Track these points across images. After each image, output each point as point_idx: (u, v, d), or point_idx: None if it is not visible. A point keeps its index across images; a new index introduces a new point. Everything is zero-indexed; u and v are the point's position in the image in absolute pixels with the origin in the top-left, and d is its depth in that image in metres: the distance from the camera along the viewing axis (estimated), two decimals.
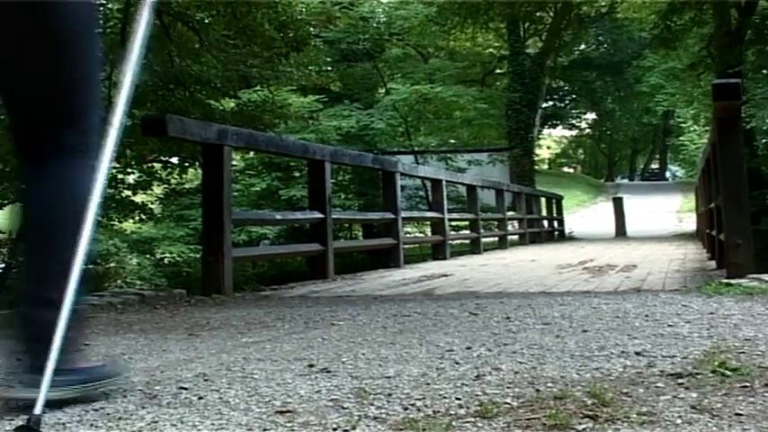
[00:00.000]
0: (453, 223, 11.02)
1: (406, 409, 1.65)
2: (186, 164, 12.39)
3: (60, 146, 1.72)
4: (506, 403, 1.66)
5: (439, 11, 17.37)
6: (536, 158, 25.48)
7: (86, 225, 1.60)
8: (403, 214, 8.09)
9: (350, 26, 15.96)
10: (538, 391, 1.76)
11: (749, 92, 12.45)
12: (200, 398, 1.81)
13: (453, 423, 1.52)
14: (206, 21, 10.12)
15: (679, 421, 1.48)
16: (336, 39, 15.80)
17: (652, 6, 15.74)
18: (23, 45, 1.67)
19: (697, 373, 1.87)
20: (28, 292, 1.70)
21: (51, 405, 1.58)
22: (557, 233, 17.32)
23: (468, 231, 11.46)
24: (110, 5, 10.52)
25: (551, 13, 21.44)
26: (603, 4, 21.74)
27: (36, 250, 1.73)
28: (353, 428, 1.51)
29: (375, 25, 17.87)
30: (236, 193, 10.64)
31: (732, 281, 4.09)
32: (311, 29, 12.87)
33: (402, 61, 18.18)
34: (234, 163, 10.74)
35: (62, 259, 1.58)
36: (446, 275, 5.81)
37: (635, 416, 1.51)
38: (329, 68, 16.26)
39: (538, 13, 20.82)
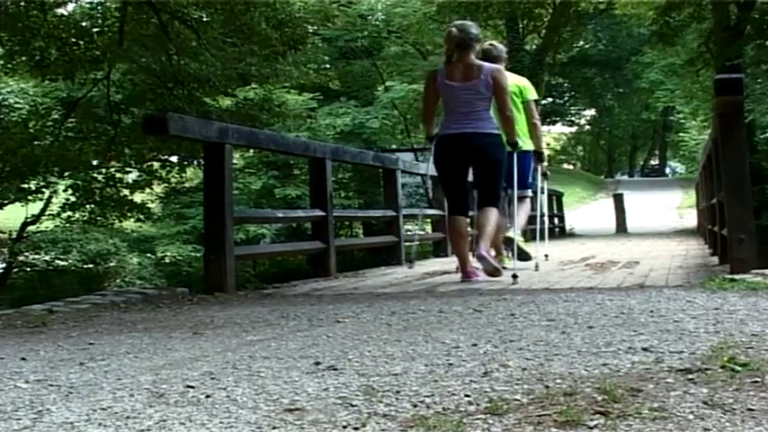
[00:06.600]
0: None
1: (415, 406, 1.64)
2: (185, 162, 12.39)
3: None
4: (516, 400, 1.65)
5: (438, 8, 17.31)
6: None
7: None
8: (404, 212, 8.08)
9: (348, 24, 15.94)
10: (547, 387, 1.75)
11: (748, 87, 12.42)
12: (208, 396, 1.80)
13: (464, 420, 1.51)
14: (204, 19, 10.11)
15: (691, 417, 1.47)
16: (334, 36, 15.77)
17: (650, 2, 15.70)
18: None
19: (706, 369, 1.86)
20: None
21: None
22: (557, 230, 17.29)
23: (469, 228, 11.44)
24: (108, 4, 10.52)
25: (550, 10, 21.39)
26: (602, 0, 21.71)
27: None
28: (363, 426, 1.50)
29: (373, 23, 17.83)
30: (235, 192, 10.62)
31: (736, 276, 4.07)
32: (309, 27, 12.85)
33: (401, 59, 18.13)
34: (233, 161, 10.72)
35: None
36: (448, 272, 5.78)
37: (646, 412, 1.50)
38: (327, 66, 16.23)
39: (536, 10, 20.75)
